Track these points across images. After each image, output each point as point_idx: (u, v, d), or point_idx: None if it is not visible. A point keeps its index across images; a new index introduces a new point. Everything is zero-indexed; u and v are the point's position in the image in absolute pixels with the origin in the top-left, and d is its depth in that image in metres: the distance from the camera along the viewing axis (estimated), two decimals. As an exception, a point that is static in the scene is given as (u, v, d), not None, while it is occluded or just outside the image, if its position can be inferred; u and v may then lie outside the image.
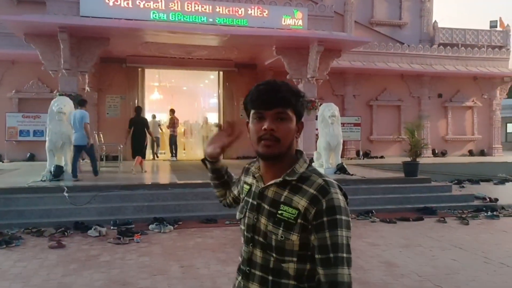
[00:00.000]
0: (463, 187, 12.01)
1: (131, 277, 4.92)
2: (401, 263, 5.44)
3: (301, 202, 1.38)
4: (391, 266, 5.32)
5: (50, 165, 9.04)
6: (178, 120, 15.81)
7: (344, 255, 1.34)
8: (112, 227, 7.13)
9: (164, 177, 10.77)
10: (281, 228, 1.38)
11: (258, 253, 1.45)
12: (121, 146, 12.31)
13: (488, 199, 9.79)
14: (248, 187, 1.58)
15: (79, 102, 9.90)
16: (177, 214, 7.92)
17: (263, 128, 1.41)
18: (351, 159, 16.59)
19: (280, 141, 1.41)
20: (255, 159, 1.63)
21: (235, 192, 1.78)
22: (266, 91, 1.43)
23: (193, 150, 17.11)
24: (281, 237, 1.38)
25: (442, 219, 8.04)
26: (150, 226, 7.18)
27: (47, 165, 9.10)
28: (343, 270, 1.33)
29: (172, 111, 15.57)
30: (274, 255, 1.40)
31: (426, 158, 16.13)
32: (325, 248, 1.34)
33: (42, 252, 5.90)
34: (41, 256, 5.71)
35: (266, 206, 1.45)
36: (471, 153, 19.15)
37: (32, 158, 14.44)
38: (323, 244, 1.34)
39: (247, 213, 1.51)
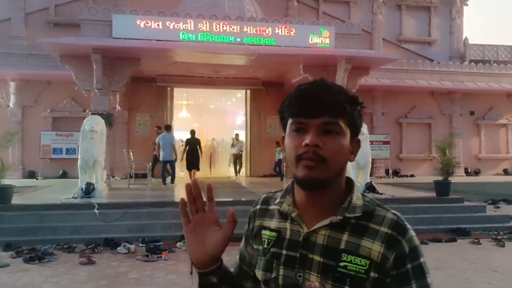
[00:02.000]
0: (498, 207, 11.58)
1: (158, 294, 4.93)
2: (434, 286, 5.25)
3: (373, 248, 1.02)
4: (423, 289, 5.15)
5: (81, 182, 9.25)
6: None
7: None
8: (140, 244, 7.21)
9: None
10: (346, 287, 1.01)
11: None
12: (150, 163, 12.50)
13: (525, 220, 9.40)
14: (273, 234, 1.14)
15: (166, 127, 12.58)
16: (204, 232, 7.92)
17: (304, 143, 1.02)
18: (380, 177, 16.30)
19: (327, 161, 1.02)
20: (272, 193, 1.24)
21: (248, 251, 1.24)
22: (311, 93, 1.04)
23: (220, 168, 17.19)
24: None
25: (476, 240, 7.76)
26: (178, 244, 7.21)
27: (79, 182, 9.32)
28: None
29: (158, 127, 13.60)
30: None
31: (459, 177, 15.69)
32: None
33: (73, 268, 6.00)
34: (72, 272, 5.81)
35: (317, 258, 1.05)
36: (506, 172, 18.52)
37: (64, 175, 14.83)
38: None
39: (281, 270, 1.09)
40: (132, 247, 6.94)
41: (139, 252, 6.82)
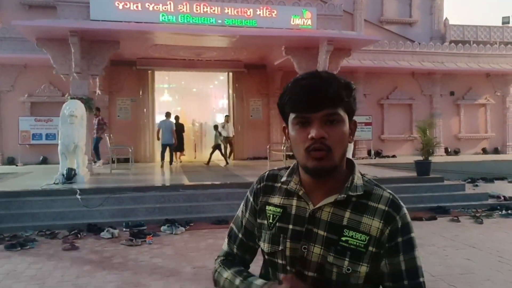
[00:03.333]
0: (477, 185, 11.86)
1: (144, 278, 4.94)
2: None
3: (373, 224, 1.13)
4: (404, 266, 5.26)
5: (62, 168, 9.13)
6: (106, 122, 13.62)
7: (422, 279, 1.15)
8: (124, 229, 7.19)
9: (175, 179, 10.81)
10: (347, 259, 1.12)
11: None
12: (132, 148, 12.39)
13: (502, 198, 9.65)
14: (278, 210, 1.23)
15: (166, 114, 13.59)
16: (188, 215, 7.95)
17: (310, 136, 1.10)
18: (363, 158, 16.48)
19: (332, 150, 1.11)
20: (276, 170, 1.32)
21: (252, 222, 1.32)
22: (312, 89, 1.11)
23: (204, 152, 17.13)
24: (348, 269, 1.11)
25: (456, 218, 7.95)
26: (162, 228, 7.21)
27: (60, 168, 9.19)
28: None
29: (97, 109, 12.99)
30: None
31: (439, 157, 15.96)
32: (398, 276, 1.12)
33: (56, 254, 5.96)
34: (55, 258, 5.77)
35: (321, 233, 1.15)
36: (484, 151, 18.91)
37: (45, 161, 14.60)
38: (396, 270, 1.13)
39: (288, 243, 1.18)
40: (116, 232, 6.92)
41: (123, 236, 6.80)
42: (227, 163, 13.93)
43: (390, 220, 1.13)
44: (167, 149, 13.41)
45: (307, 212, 1.17)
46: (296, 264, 1.17)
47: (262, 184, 1.30)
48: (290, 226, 1.19)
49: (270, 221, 1.23)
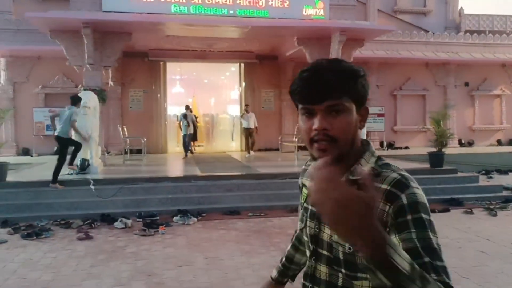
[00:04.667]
0: (491, 177, 11.71)
1: (156, 268, 5.00)
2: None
3: None
4: (416, 258, 5.24)
5: (76, 159, 9.23)
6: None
7: (445, 263, 1.02)
8: (137, 219, 7.26)
9: (187, 170, 10.88)
10: None
11: (322, 268, 1.20)
12: (145, 139, 12.47)
13: (517, 190, 9.54)
14: (306, 191, 1.30)
15: (186, 107, 14.21)
16: (200, 206, 8.00)
17: (314, 127, 1.11)
18: (375, 150, 16.35)
19: (338, 141, 1.10)
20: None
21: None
22: (310, 80, 1.10)
23: (216, 143, 17.19)
24: (349, 249, 1.12)
25: (469, 210, 7.87)
26: (175, 218, 7.27)
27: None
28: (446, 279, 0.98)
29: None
30: (343, 270, 1.15)
31: (452, 149, 15.80)
32: (415, 251, 0.99)
33: (71, 243, 6.05)
34: (69, 247, 5.86)
35: None
36: (499, 142, 18.66)
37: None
38: (412, 246, 1.00)
39: (308, 222, 1.25)
40: (129, 222, 6.99)
41: (136, 227, 6.87)
42: (251, 152, 13.83)
43: (391, 198, 1.05)
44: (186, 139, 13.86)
45: None
46: (313, 242, 1.22)
47: (303, 167, 1.39)
48: (310, 207, 1.25)
49: (301, 201, 1.33)
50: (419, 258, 0.98)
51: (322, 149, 1.10)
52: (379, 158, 1.20)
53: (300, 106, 1.15)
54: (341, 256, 1.14)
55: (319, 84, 1.09)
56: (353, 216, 0.80)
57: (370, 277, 0.90)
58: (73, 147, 8.78)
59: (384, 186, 1.09)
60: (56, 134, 8.55)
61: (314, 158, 1.16)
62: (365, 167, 1.15)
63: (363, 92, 1.15)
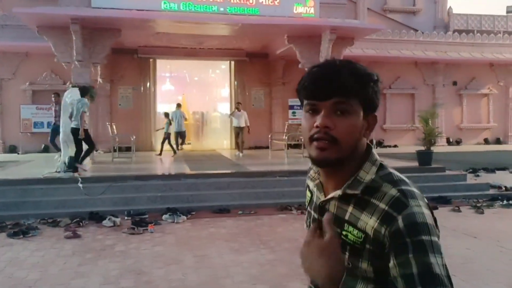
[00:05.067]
0: (478, 176, 11.86)
1: (145, 266, 4.97)
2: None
3: (369, 222, 1.04)
4: (405, 256, 5.28)
5: (64, 156, 9.14)
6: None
7: None
8: (126, 217, 7.22)
9: (177, 168, 10.83)
10: (347, 253, 1.07)
11: None
12: (134, 137, 12.39)
13: (503, 188, 9.65)
14: (309, 194, 1.27)
15: (177, 105, 13.84)
16: (190, 204, 7.97)
17: (315, 125, 1.06)
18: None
19: (338, 142, 1.06)
20: None
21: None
22: (321, 75, 1.07)
23: (206, 141, 17.13)
24: (349, 264, 1.06)
25: (457, 208, 7.96)
26: (164, 216, 7.24)
27: (62, 156, 9.20)
28: None
29: (57, 94, 11.84)
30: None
31: (441, 147, 15.95)
32: (410, 279, 0.94)
33: (58, 242, 5.99)
34: (57, 246, 5.80)
35: None
36: (486, 141, 18.89)
37: (46, 149, 14.57)
38: (408, 273, 0.94)
39: (310, 222, 1.24)
40: (118, 220, 6.95)
41: (125, 225, 6.83)
42: (241, 152, 13.41)
43: (388, 220, 1.00)
44: (176, 137, 13.74)
45: (319, 203, 1.18)
46: None
47: (309, 168, 1.32)
48: (312, 212, 1.23)
49: (306, 203, 1.30)
50: (412, 285, 0.94)
51: (321, 147, 1.06)
52: (381, 167, 1.14)
53: (305, 102, 1.10)
54: None
55: (329, 79, 1.05)
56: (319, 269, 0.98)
57: None
58: (87, 146, 9.04)
59: (382, 205, 1.03)
60: (72, 126, 8.78)
61: (312, 160, 1.11)
62: (365, 178, 1.09)
63: (374, 98, 1.11)
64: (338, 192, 1.10)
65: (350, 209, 1.09)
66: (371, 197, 1.06)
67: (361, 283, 1.07)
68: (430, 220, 1.01)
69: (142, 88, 15.64)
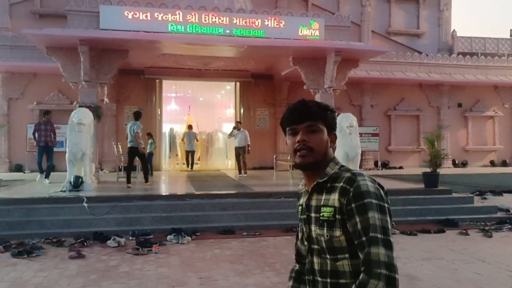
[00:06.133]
0: (485, 198, 11.75)
1: (149, 288, 4.91)
2: (423, 276, 5.32)
3: (335, 198, 1.48)
4: (412, 279, 5.20)
5: (70, 176, 9.16)
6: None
7: (378, 235, 1.37)
8: (130, 238, 7.17)
9: (182, 188, 10.81)
10: (325, 229, 1.49)
11: (315, 260, 1.57)
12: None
13: (511, 211, 9.55)
14: (300, 207, 1.67)
15: (189, 126, 15.84)
16: (194, 225, 7.92)
17: (296, 140, 1.57)
18: (369, 169, 16.39)
19: (314, 150, 1.55)
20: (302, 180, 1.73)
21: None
22: (296, 109, 1.60)
23: (211, 161, 17.13)
24: (327, 236, 1.49)
25: (464, 231, 7.86)
26: (168, 237, 7.19)
27: (67, 175, 9.22)
28: (378, 249, 1.35)
29: (47, 112, 12.10)
30: (328, 256, 1.51)
31: (446, 169, 15.82)
32: (358, 234, 1.40)
33: (63, 262, 5.95)
34: (61, 266, 5.76)
35: (312, 215, 1.57)
36: (492, 163, 18.75)
37: (52, 168, 14.62)
38: (356, 230, 1.41)
39: (302, 228, 1.64)
40: (122, 240, 6.90)
41: (129, 245, 6.78)
42: (244, 173, 13.25)
43: (344, 192, 1.46)
44: (187, 155, 15.51)
45: (305, 202, 1.62)
46: (307, 241, 1.61)
47: (298, 192, 1.76)
48: (302, 216, 1.65)
49: (299, 216, 1.68)
50: (359, 239, 1.40)
51: (302, 155, 1.56)
52: (341, 166, 1.60)
53: (287, 128, 1.62)
54: (324, 245, 1.51)
55: (302, 110, 1.58)
56: None
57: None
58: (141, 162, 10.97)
59: (340, 184, 1.50)
60: (129, 145, 10.29)
61: (296, 165, 1.59)
62: (330, 172, 1.56)
63: (332, 122, 1.62)
64: (314, 184, 1.57)
65: (323, 196, 1.54)
66: (334, 183, 1.53)
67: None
68: (372, 189, 1.45)
69: (148, 108, 15.73)
